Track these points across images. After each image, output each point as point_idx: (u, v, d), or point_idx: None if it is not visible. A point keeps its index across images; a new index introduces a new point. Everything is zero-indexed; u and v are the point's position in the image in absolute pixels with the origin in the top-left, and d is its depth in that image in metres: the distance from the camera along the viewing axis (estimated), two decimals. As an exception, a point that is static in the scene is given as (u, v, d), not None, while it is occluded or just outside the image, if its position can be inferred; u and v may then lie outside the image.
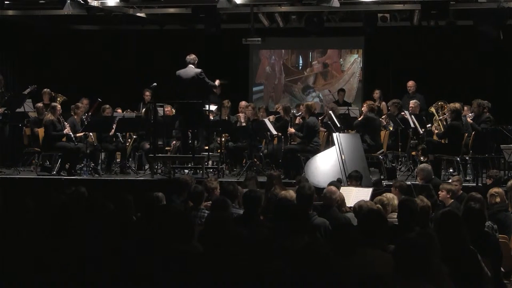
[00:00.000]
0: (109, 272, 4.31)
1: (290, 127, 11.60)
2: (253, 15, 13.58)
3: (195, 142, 11.22)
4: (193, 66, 11.07)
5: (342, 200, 7.42)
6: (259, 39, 13.67)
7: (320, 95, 16.00)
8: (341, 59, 16.19)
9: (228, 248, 4.36)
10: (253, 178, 9.13)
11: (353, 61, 16.10)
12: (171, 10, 13.89)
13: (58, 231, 4.97)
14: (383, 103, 13.54)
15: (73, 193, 7.12)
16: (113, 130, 12.02)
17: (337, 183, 8.41)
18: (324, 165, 10.38)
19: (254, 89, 16.38)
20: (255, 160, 11.81)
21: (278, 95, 16.31)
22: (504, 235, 6.96)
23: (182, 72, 11.09)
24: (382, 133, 11.88)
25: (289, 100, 15.84)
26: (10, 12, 13.66)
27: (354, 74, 16.04)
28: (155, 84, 11.50)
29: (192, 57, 11.17)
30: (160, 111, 12.22)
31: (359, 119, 11.53)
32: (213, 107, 12.13)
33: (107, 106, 12.44)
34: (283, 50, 16.42)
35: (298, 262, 4.00)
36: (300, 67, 16.43)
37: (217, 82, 11.53)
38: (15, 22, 14.33)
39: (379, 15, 13.54)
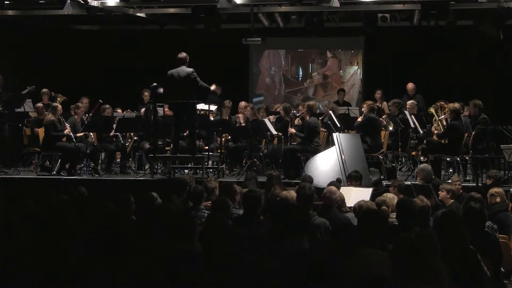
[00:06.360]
0: (108, 272, 4.31)
1: (291, 127, 11.59)
2: (253, 15, 13.56)
3: (179, 141, 11.18)
4: (185, 66, 10.86)
5: (342, 200, 7.42)
6: (259, 39, 13.65)
7: (320, 106, 15.92)
8: (341, 71, 16.16)
9: (228, 248, 4.35)
10: (253, 178, 9.11)
11: (353, 73, 16.07)
12: (171, 10, 13.88)
13: (58, 231, 4.97)
14: (384, 103, 13.54)
15: (73, 193, 7.12)
16: (113, 131, 12.02)
17: (337, 183, 8.41)
18: (324, 165, 10.38)
19: (254, 100, 16.23)
20: (255, 160, 11.80)
21: (278, 106, 16.24)
22: (504, 235, 6.96)
23: (174, 71, 10.87)
24: (382, 133, 11.87)
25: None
26: (10, 12, 13.65)
27: (354, 85, 16.02)
28: (155, 84, 11.48)
29: (183, 55, 10.89)
30: (160, 111, 12.20)
31: (360, 119, 11.50)
32: (213, 107, 12.12)
33: (107, 106, 12.43)
34: (283, 61, 16.36)
35: (298, 262, 4.00)
36: (300, 79, 16.40)
37: (213, 87, 11.46)
38: (15, 22, 14.32)
39: (379, 15, 13.53)
